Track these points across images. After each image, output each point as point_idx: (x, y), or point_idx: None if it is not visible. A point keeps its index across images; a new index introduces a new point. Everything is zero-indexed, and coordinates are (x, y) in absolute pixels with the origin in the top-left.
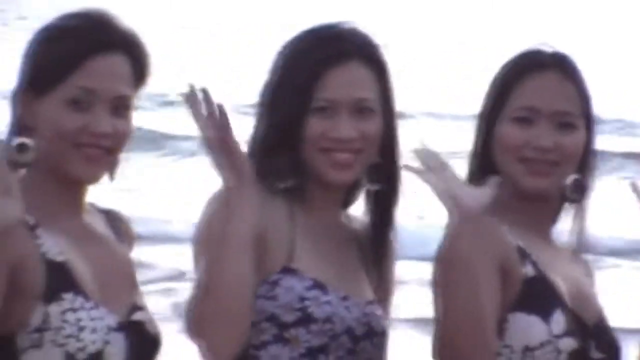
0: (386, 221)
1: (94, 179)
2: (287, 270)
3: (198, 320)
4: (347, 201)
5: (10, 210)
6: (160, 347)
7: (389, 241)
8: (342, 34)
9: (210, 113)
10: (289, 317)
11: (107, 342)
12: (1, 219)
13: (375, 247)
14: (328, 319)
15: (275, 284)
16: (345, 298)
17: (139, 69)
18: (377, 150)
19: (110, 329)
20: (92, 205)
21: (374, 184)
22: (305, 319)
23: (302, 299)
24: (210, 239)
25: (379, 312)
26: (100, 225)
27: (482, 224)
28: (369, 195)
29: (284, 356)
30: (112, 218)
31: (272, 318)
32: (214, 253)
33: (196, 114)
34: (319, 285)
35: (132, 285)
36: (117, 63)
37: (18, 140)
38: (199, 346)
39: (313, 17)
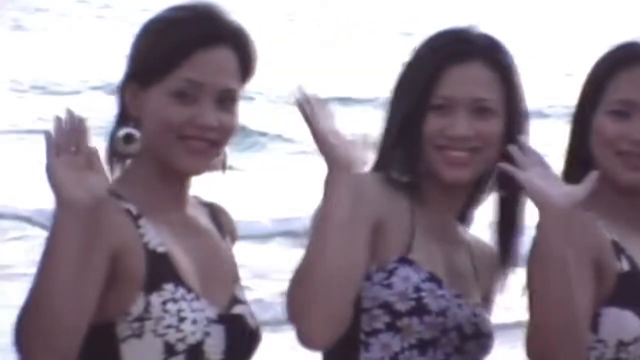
0: (509, 229)
1: (198, 171)
2: (404, 260)
3: (295, 304)
4: (469, 205)
5: (96, 183)
6: (259, 340)
7: (512, 250)
8: (469, 36)
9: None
10: (402, 306)
11: (207, 334)
12: (88, 192)
13: (501, 256)
14: (442, 313)
15: (391, 272)
16: (457, 296)
17: (245, 62)
18: (498, 152)
19: (211, 321)
20: (195, 198)
21: (501, 190)
22: (420, 310)
23: (418, 289)
24: (316, 225)
25: (487, 315)
26: (203, 218)
27: (574, 219)
28: (495, 202)
29: (394, 345)
30: (215, 211)
31: (385, 306)
32: (315, 239)
33: (307, 114)
34: (434, 279)
35: (233, 278)
36: (224, 56)
37: (124, 130)
38: (296, 331)
39: None
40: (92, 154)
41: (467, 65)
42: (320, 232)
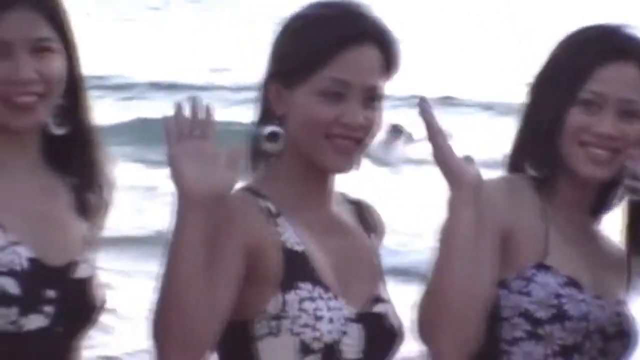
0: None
1: (343, 169)
2: (541, 266)
3: (425, 324)
4: (599, 206)
5: (227, 179)
6: (400, 340)
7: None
8: (623, 35)
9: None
10: (543, 314)
11: (343, 333)
12: (212, 186)
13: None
14: (584, 317)
15: (529, 279)
16: (597, 297)
17: (389, 60)
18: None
19: (348, 320)
20: (342, 195)
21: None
22: (561, 316)
23: (558, 295)
24: (442, 243)
25: (629, 312)
26: (347, 216)
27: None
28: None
29: (537, 353)
30: (362, 208)
31: (525, 314)
32: (442, 257)
33: (430, 123)
34: (573, 283)
35: (374, 277)
36: (370, 55)
37: (269, 128)
38: (430, 353)
39: None
40: (235, 151)
41: (622, 64)
42: (446, 250)
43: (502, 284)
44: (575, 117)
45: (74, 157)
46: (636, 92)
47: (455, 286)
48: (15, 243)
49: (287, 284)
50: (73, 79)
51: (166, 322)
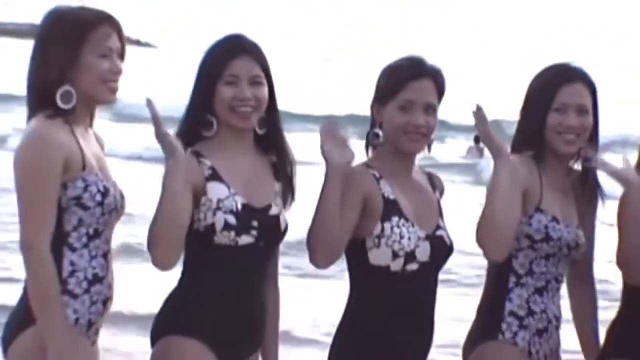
0: (589, 182)
1: (417, 151)
2: (538, 209)
3: (481, 235)
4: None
5: (346, 156)
6: (451, 251)
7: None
8: (575, 67)
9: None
10: (538, 236)
11: (417, 246)
12: (341, 161)
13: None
14: (559, 239)
15: (531, 217)
16: (567, 225)
17: (440, 88)
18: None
19: (420, 238)
20: (420, 168)
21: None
22: (547, 238)
23: (546, 227)
24: (488, 192)
25: (581, 233)
26: (422, 180)
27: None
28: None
29: (531, 257)
30: (431, 176)
31: (527, 236)
32: (490, 196)
33: (480, 116)
34: (555, 220)
35: (436, 214)
36: (428, 84)
37: (374, 131)
38: (483, 249)
39: None
40: (345, 137)
41: (576, 85)
42: (494, 193)
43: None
44: (553, 118)
45: (272, 146)
46: (586, 99)
47: (498, 213)
48: (234, 194)
49: (384, 217)
50: (272, 103)
51: (315, 237)
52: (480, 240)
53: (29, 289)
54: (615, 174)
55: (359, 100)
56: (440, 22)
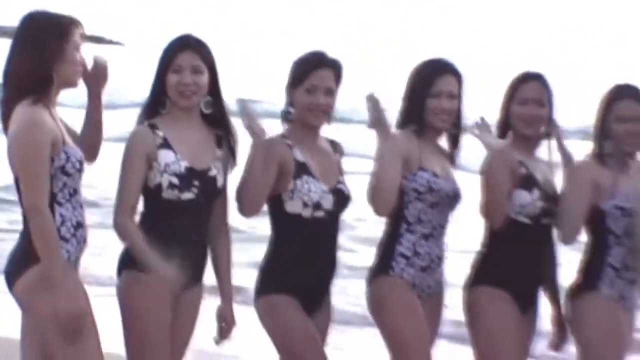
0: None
1: (318, 126)
2: (421, 168)
3: (370, 196)
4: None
5: (262, 131)
6: (350, 201)
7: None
8: (447, 61)
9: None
10: (422, 189)
11: (322, 197)
12: (260, 135)
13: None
14: (439, 189)
15: (415, 175)
16: (444, 178)
17: (338, 77)
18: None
19: (324, 192)
20: (325, 138)
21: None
22: (430, 190)
23: (428, 181)
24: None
25: (458, 186)
26: (326, 146)
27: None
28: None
29: (420, 206)
30: (333, 143)
31: (414, 189)
32: (378, 165)
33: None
34: (435, 175)
35: (337, 172)
36: (328, 73)
37: (287, 109)
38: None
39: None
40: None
41: (447, 76)
42: (375, 167)
43: (405, 178)
44: (431, 102)
45: (216, 122)
46: (455, 87)
47: (381, 179)
48: (180, 159)
49: (296, 176)
50: (216, 89)
51: (241, 194)
52: (369, 200)
53: (37, 238)
54: (481, 140)
55: (359, 99)
56: (440, 22)
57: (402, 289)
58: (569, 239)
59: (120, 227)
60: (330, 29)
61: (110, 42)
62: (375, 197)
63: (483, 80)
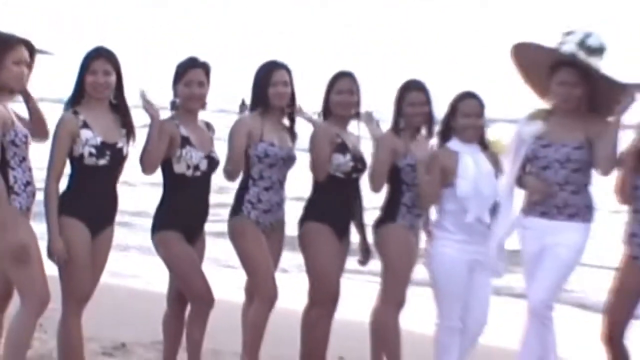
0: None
1: (196, 110)
2: (261, 141)
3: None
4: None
5: (157, 114)
6: (218, 166)
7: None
8: (279, 63)
9: None
10: (262, 155)
11: (200, 162)
12: (156, 117)
13: None
14: (274, 155)
15: (257, 145)
16: (281, 148)
17: (207, 75)
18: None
19: (201, 157)
20: (201, 120)
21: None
22: (266, 155)
23: (266, 149)
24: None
25: (293, 152)
26: (203, 125)
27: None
28: None
29: (273, 172)
30: (207, 124)
31: (257, 156)
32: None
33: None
34: (272, 144)
35: (210, 144)
36: (200, 72)
37: (173, 99)
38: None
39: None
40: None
41: (279, 70)
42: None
43: (249, 147)
44: (272, 90)
45: (120, 109)
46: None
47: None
48: (96, 136)
49: (182, 146)
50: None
51: (146, 159)
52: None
53: None
54: (309, 120)
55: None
56: (440, 22)
57: (250, 225)
58: (377, 189)
59: (47, 189)
60: (330, 29)
61: (44, 52)
62: (228, 169)
63: (483, 81)
